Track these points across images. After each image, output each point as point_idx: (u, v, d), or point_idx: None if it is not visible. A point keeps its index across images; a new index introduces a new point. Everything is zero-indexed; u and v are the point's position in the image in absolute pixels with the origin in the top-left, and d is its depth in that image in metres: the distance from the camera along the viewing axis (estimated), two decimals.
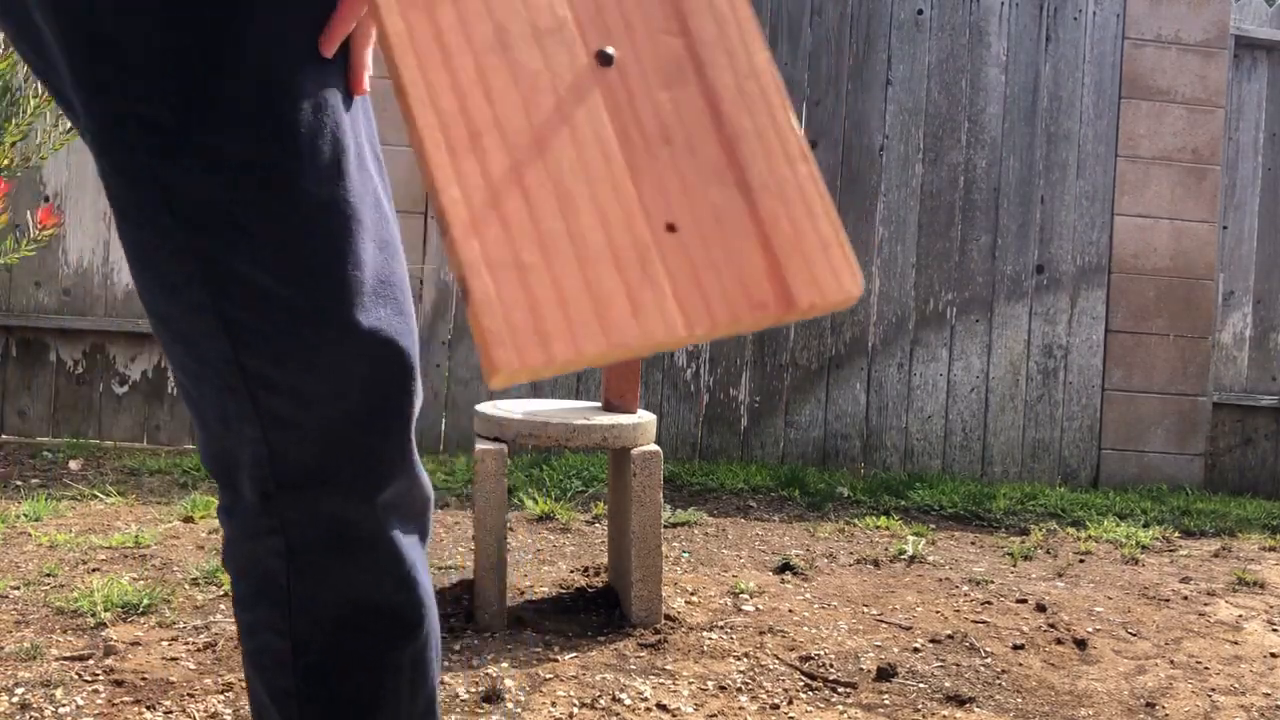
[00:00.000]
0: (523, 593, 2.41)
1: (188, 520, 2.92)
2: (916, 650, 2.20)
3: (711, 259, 0.39)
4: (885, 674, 2.02)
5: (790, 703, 1.88)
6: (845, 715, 1.85)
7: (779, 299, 0.41)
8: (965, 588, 2.68)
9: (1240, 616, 2.60)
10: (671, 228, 0.39)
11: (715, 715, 1.80)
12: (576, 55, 0.39)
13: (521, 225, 0.36)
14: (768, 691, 1.92)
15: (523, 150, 0.37)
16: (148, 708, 1.71)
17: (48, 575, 2.36)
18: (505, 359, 0.35)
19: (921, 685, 2.01)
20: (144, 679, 1.82)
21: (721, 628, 2.24)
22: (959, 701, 1.94)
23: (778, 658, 2.09)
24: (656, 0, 0.41)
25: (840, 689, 1.96)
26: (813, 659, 2.09)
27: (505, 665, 1.97)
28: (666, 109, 0.40)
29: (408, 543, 0.85)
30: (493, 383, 0.36)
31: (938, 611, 2.46)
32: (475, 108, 0.36)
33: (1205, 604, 2.70)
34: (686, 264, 0.39)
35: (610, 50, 0.39)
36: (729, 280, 0.39)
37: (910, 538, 3.17)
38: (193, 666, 1.89)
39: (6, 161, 1.95)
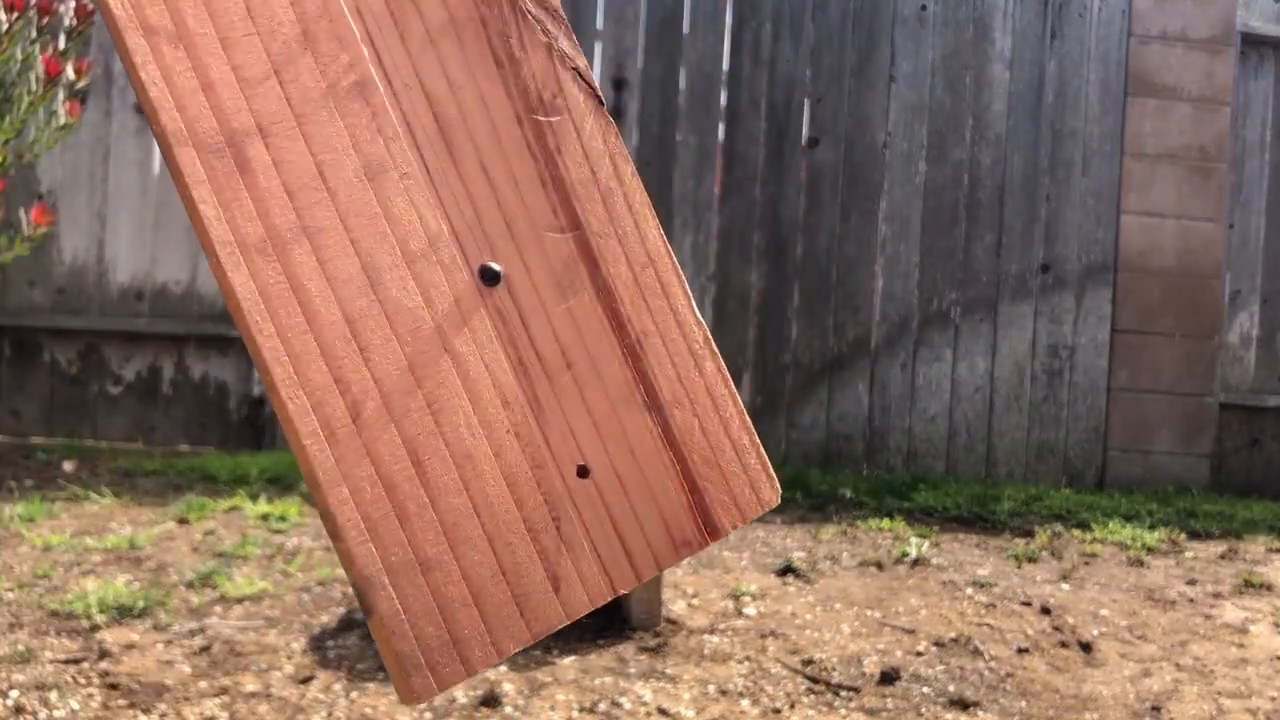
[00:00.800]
0: None
1: (183, 522, 2.90)
2: (920, 653, 2.17)
3: (630, 503, 0.36)
4: (888, 677, 1.99)
5: (792, 707, 1.85)
6: (848, 719, 1.82)
7: (701, 532, 0.38)
8: (969, 590, 2.65)
9: (1247, 619, 2.57)
10: (584, 471, 0.35)
11: (716, 719, 1.78)
12: (457, 278, 0.35)
13: (421, 513, 0.32)
14: (769, 695, 1.89)
15: (411, 418, 0.32)
16: (142, 711, 1.69)
17: (41, 577, 2.34)
18: (422, 686, 0.32)
19: (925, 689, 1.98)
20: (139, 682, 1.80)
21: (723, 631, 2.21)
22: (963, 705, 1.91)
23: (780, 661, 2.06)
24: (539, 192, 0.37)
25: (843, 693, 1.94)
26: (815, 662, 2.06)
27: (504, 669, 1.94)
28: (564, 326, 0.36)
29: None
30: (410, 704, 0.32)
31: (941, 614, 2.43)
32: (351, 374, 0.31)
33: (1211, 606, 2.67)
34: (604, 514, 0.36)
35: (496, 266, 0.35)
36: (650, 525, 0.36)
37: (914, 540, 3.14)
38: (188, 670, 1.87)
39: (0, 159, 1.92)
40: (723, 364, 0.39)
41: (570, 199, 0.37)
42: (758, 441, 0.40)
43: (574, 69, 0.38)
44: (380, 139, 0.34)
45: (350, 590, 2.35)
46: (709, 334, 0.39)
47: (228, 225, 0.31)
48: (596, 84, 0.39)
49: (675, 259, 0.39)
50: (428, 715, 1.73)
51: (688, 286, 0.39)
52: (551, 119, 0.38)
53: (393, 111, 0.34)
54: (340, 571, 2.49)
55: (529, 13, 0.37)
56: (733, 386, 0.40)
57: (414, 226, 0.34)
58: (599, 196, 0.37)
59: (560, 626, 0.34)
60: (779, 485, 0.41)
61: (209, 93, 0.31)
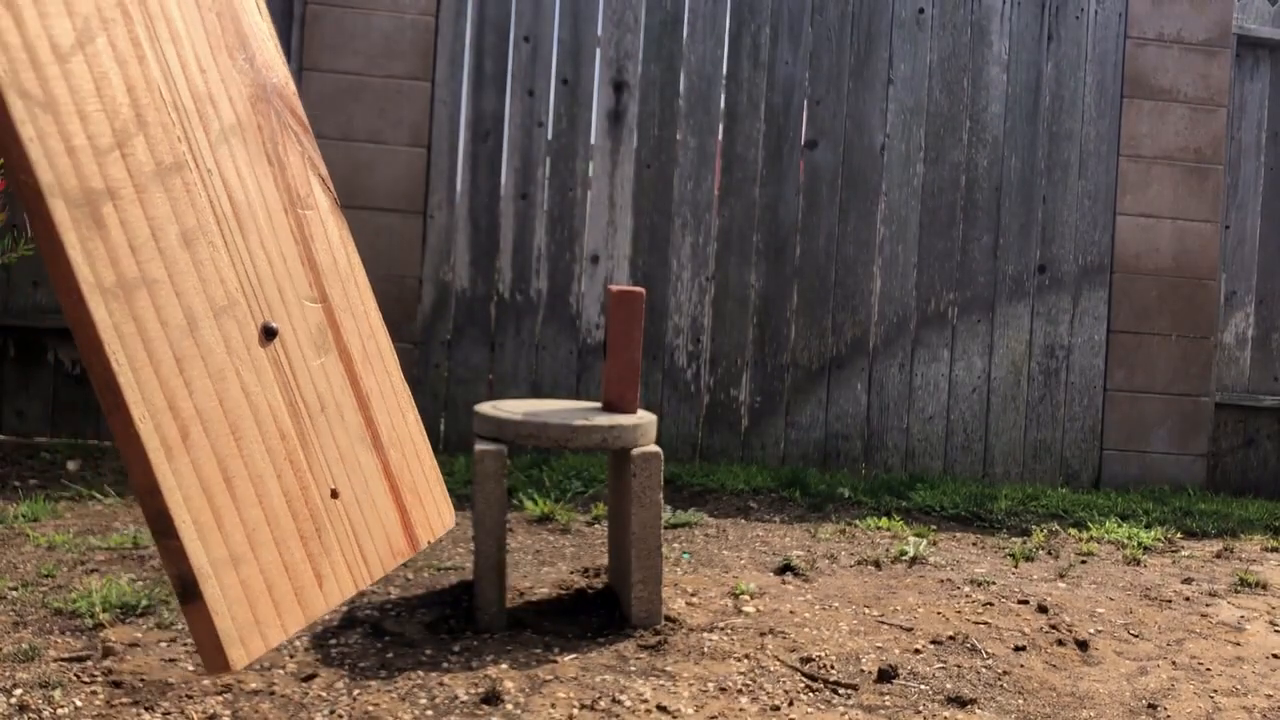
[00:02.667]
0: (522, 594, 2.40)
1: None
2: (918, 651, 2.19)
3: (365, 519, 0.43)
4: (886, 675, 2.01)
5: (791, 704, 1.87)
6: (846, 717, 1.84)
7: (409, 544, 0.48)
8: (967, 589, 2.67)
9: (1242, 617, 2.59)
10: (335, 494, 0.42)
11: (716, 717, 1.79)
12: (247, 332, 0.40)
13: (232, 519, 0.37)
14: (768, 693, 1.91)
15: (223, 442, 0.38)
16: (146, 709, 1.71)
17: (46, 576, 2.36)
18: (237, 656, 0.38)
19: (923, 686, 2.00)
20: (142, 680, 1.81)
21: (722, 629, 2.23)
22: (960, 703, 1.93)
23: (778, 659, 2.08)
24: (301, 269, 0.42)
25: (841, 690, 1.95)
26: (813, 660, 2.08)
27: (505, 667, 1.96)
28: (320, 377, 0.43)
29: None
30: (218, 676, 0.38)
31: (939, 613, 2.45)
32: (181, 402, 0.36)
33: (1207, 605, 2.68)
34: (349, 528, 0.43)
35: (274, 325, 0.40)
36: (378, 537, 0.44)
37: (911, 539, 3.16)
38: (191, 668, 1.88)
39: (3, 161, 1.94)
40: (418, 416, 0.48)
41: (321, 278, 0.45)
42: (440, 477, 0.50)
43: (320, 175, 0.46)
44: (193, 212, 0.39)
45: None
46: (409, 393, 0.49)
47: (89, 269, 0.35)
48: (333, 188, 0.48)
49: (387, 332, 0.48)
50: (429, 713, 1.75)
51: (395, 356, 0.48)
52: (306, 212, 0.45)
53: (201, 191, 0.40)
54: None
55: (289, 125, 0.44)
56: (424, 433, 0.49)
57: (218, 286, 0.40)
58: (339, 279, 0.45)
59: (322, 615, 0.42)
60: (454, 514, 0.50)
61: (72, 155, 0.35)
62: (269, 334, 0.40)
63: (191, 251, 0.38)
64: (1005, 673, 2.10)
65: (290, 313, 0.41)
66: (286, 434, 0.40)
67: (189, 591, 0.35)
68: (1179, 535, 3.53)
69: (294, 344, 0.42)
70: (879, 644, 2.21)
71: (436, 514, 0.48)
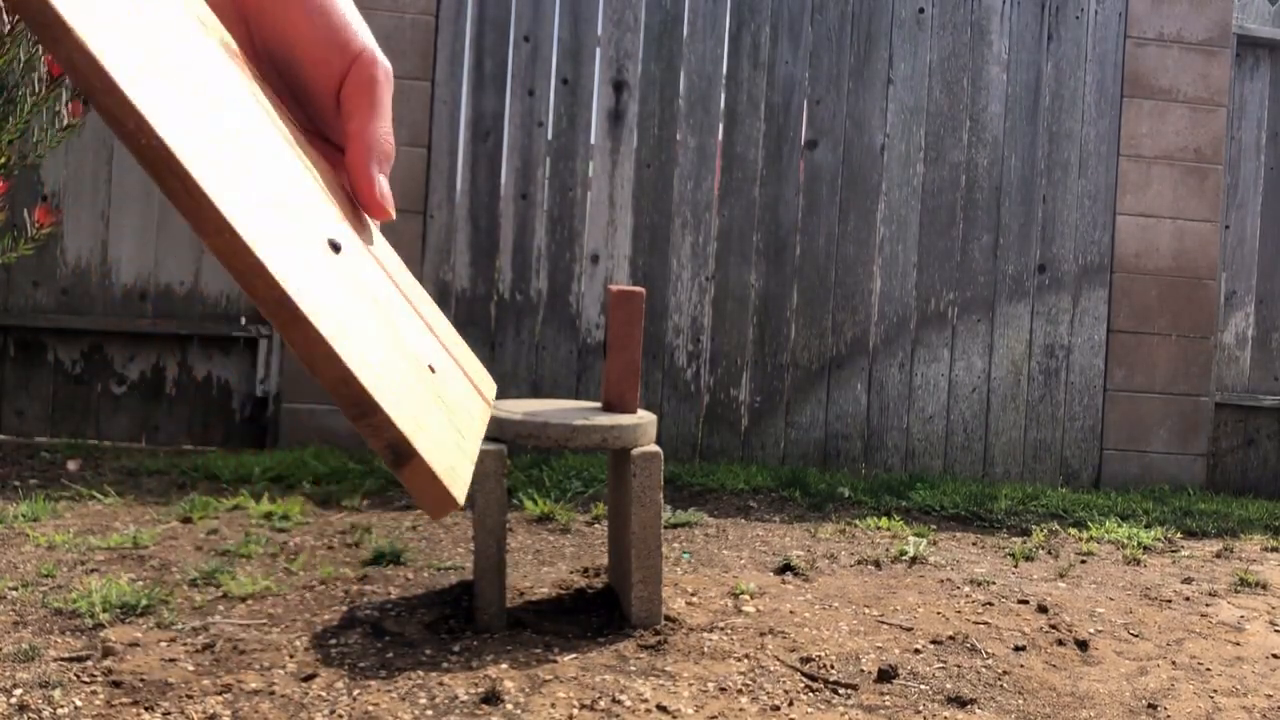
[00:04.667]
0: (522, 594, 2.40)
1: (186, 521, 2.91)
2: (918, 651, 2.19)
3: (454, 388, 0.52)
4: (886, 675, 2.01)
5: (791, 704, 1.87)
6: (846, 717, 1.84)
7: (486, 404, 0.56)
8: (967, 589, 2.67)
9: (1242, 617, 2.59)
10: (432, 369, 0.49)
11: (716, 716, 1.79)
12: (322, 245, 0.45)
13: (397, 391, 0.42)
14: (768, 693, 1.91)
15: (362, 334, 0.42)
16: (146, 709, 1.71)
17: (46, 576, 2.36)
18: (459, 492, 0.43)
19: (923, 686, 2.00)
20: (142, 680, 1.81)
21: (722, 629, 2.23)
22: (960, 703, 1.93)
23: (778, 659, 2.08)
24: (327, 196, 0.49)
25: (841, 690, 1.95)
26: (813, 660, 2.08)
27: (505, 666, 1.96)
28: (378, 281, 0.50)
29: None
30: (439, 516, 0.44)
31: (939, 612, 2.45)
32: (326, 301, 0.41)
33: (1207, 605, 2.68)
34: (452, 396, 0.51)
35: (338, 240, 0.47)
36: (469, 402, 0.53)
37: (911, 538, 3.16)
38: (191, 668, 1.88)
39: (3, 159, 1.94)
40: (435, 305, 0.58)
41: (341, 202, 0.52)
42: (472, 352, 0.61)
43: (295, 119, 0.54)
44: (274, 130, 0.48)
45: (354, 589, 2.36)
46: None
47: (228, 200, 0.40)
48: (306, 123, 0.56)
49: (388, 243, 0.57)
50: (429, 713, 1.75)
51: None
52: (307, 151, 0.52)
53: (279, 131, 0.49)
54: (343, 570, 2.51)
55: (262, 76, 0.53)
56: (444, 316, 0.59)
57: (303, 199, 0.46)
58: (345, 203, 0.53)
59: (473, 469, 0.48)
60: (494, 382, 0.61)
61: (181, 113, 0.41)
62: (335, 248, 0.46)
63: (281, 177, 0.44)
64: (1005, 673, 2.10)
65: (336, 227, 0.49)
66: (386, 321, 0.46)
67: (402, 454, 0.41)
68: (1179, 535, 3.53)
69: (352, 256, 0.49)
70: (879, 644, 2.21)
71: (487, 381, 0.59)
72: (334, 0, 0.53)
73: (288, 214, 0.41)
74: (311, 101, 0.55)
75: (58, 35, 0.34)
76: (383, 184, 0.54)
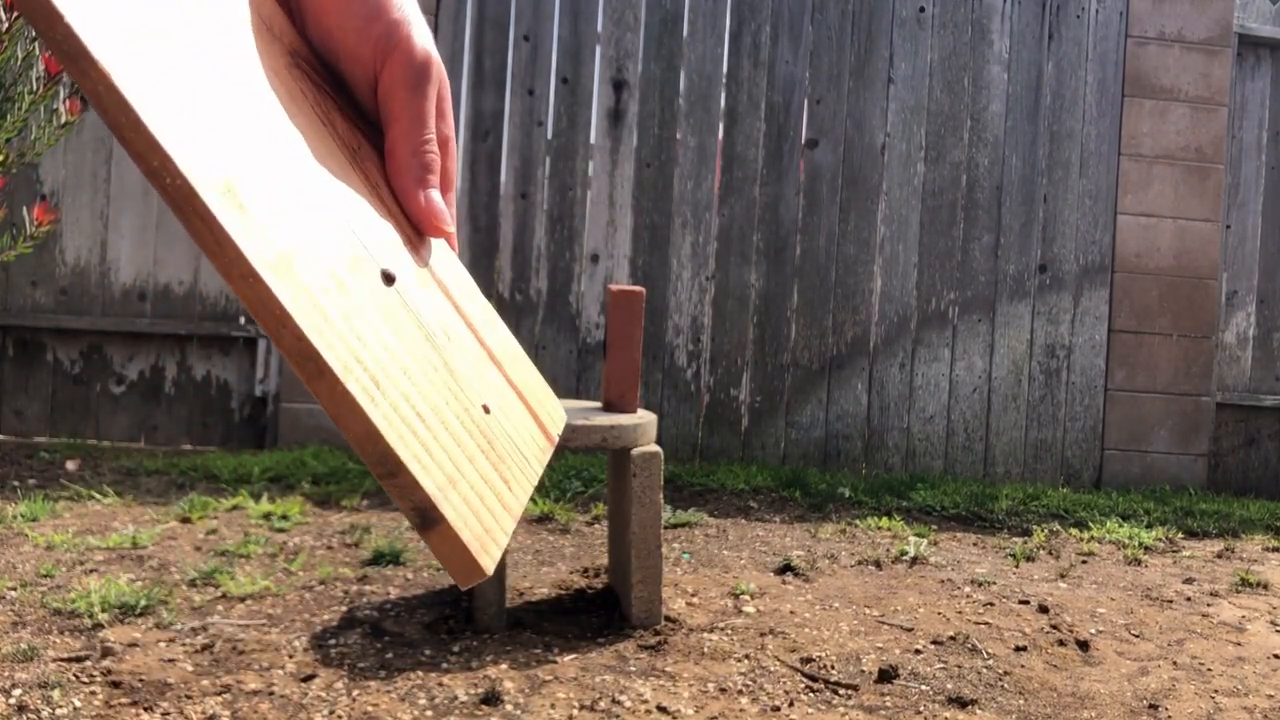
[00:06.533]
0: (522, 594, 2.40)
1: (185, 521, 2.91)
2: (918, 652, 2.18)
3: (515, 426, 0.49)
4: (887, 675, 2.00)
5: (791, 704, 1.87)
6: (846, 717, 1.83)
7: (549, 441, 0.52)
8: (967, 589, 2.66)
9: (1243, 617, 2.59)
10: (486, 409, 0.47)
11: (716, 717, 1.79)
12: (373, 278, 0.43)
13: (434, 447, 0.41)
14: (768, 693, 1.91)
15: (402, 381, 0.41)
16: (145, 709, 1.70)
17: (44, 576, 2.35)
18: (486, 562, 0.41)
19: (923, 687, 1.99)
20: (141, 680, 1.81)
21: (722, 629, 2.22)
22: (961, 703, 1.92)
23: (779, 659, 2.07)
24: (385, 216, 0.47)
25: (841, 691, 1.95)
26: (814, 660, 2.08)
27: (504, 667, 1.95)
28: (434, 309, 0.47)
29: None
30: (467, 585, 0.42)
31: (939, 613, 2.45)
32: (362, 352, 0.39)
33: (1208, 605, 2.68)
34: (508, 436, 0.48)
35: (392, 271, 0.44)
36: (528, 440, 0.50)
37: (912, 539, 3.15)
38: (190, 668, 1.88)
39: (1, 157, 1.94)
40: (505, 328, 0.54)
41: (397, 219, 0.48)
42: (544, 380, 0.56)
43: (358, 126, 0.49)
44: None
45: (353, 589, 2.36)
46: (492, 309, 0.54)
47: (254, 248, 0.38)
48: (366, 135, 0.51)
49: (454, 253, 0.52)
50: (429, 713, 1.74)
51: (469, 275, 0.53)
52: (365, 164, 0.48)
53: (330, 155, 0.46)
54: (342, 570, 2.50)
55: (320, 84, 0.48)
56: (516, 342, 0.55)
57: (344, 236, 0.43)
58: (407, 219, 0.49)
59: (520, 514, 0.46)
60: (563, 410, 0.56)
61: (202, 148, 0.39)
62: (388, 279, 0.44)
63: (316, 210, 0.42)
64: (1006, 673, 2.09)
65: (391, 254, 0.46)
66: (438, 365, 0.44)
67: (428, 518, 0.39)
68: (1180, 535, 3.52)
69: (408, 283, 0.46)
70: (879, 644, 2.21)
71: (557, 412, 0.55)
72: None
73: (331, 252, 0.39)
74: (359, 100, 0.49)
75: (84, 68, 0.33)
76: (431, 200, 0.48)
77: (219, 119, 0.38)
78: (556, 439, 0.54)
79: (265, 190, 0.38)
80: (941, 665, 2.11)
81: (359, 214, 0.44)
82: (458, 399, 0.44)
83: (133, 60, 0.34)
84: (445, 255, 0.51)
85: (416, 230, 0.49)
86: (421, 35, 0.47)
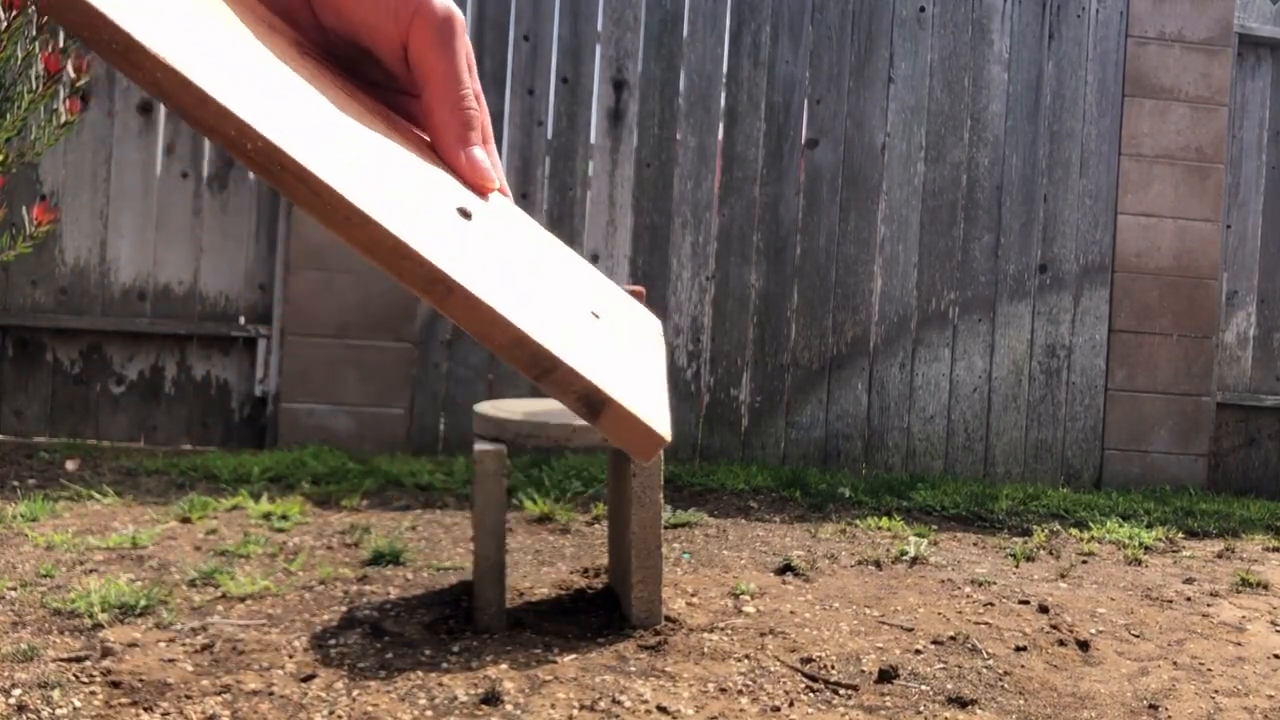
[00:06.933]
0: (522, 594, 2.39)
1: (185, 521, 2.91)
2: (918, 652, 2.18)
3: (625, 332, 0.50)
4: (887, 675, 2.00)
5: (791, 704, 1.86)
6: (846, 717, 1.83)
7: (659, 341, 0.55)
8: (968, 589, 2.66)
9: (1244, 618, 2.58)
10: (596, 315, 0.48)
11: (716, 717, 1.79)
12: (453, 215, 0.44)
13: (577, 344, 0.41)
14: (769, 693, 1.91)
15: (520, 287, 0.42)
16: (145, 709, 1.70)
17: (44, 576, 2.35)
18: (663, 429, 0.41)
19: (923, 687, 1.99)
20: (141, 680, 1.80)
21: (722, 629, 2.22)
22: (961, 703, 1.92)
23: (779, 659, 2.07)
24: (441, 166, 0.48)
25: (842, 691, 1.95)
26: (814, 661, 2.07)
27: (504, 667, 1.95)
28: (520, 242, 0.48)
29: None
30: (649, 457, 0.41)
31: (940, 613, 2.44)
32: (483, 267, 0.40)
33: (1209, 605, 2.68)
34: (624, 334, 0.49)
35: (469, 208, 0.45)
36: (643, 339, 0.52)
37: (912, 539, 3.15)
38: (190, 668, 1.88)
39: (1, 157, 1.94)
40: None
41: (432, 159, 0.49)
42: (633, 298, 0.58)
43: (386, 103, 0.52)
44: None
45: (353, 589, 2.36)
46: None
47: (362, 197, 0.38)
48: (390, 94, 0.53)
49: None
50: (429, 713, 1.74)
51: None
52: (403, 128, 0.49)
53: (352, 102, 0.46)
54: (342, 570, 2.50)
55: (339, 70, 0.49)
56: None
57: (428, 176, 0.45)
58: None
59: (665, 394, 0.47)
60: (657, 319, 0.59)
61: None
62: (465, 215, 0.45)
63: (382, 157, 0.42)
64: (1006, 673, 2.09)
65: (461, 196, 0.47)
66: (540, 277, 0.45)
67: (596, 403, 0.39)
68: (1180, 535, 3.52)
69: (479, 218, 0.47)
70: (880, 644, 2.21)
71: (649, 319, 0.58)
72: None
73: (410, 190, 0.40)
74: (394, 80, 0.49)
75: (137, 60, 0.33)
76: (476, 157, 0.48)
77: (269, 86, 0.39)
78: (660, 334, 0.55)
79: (335, 141, 0.39)
80: (941, 665, 2.11)
81: (417, 164, 0.45)
82: (569, 308, 0.45)
83: (177, 40, 0.35)
84: (507, 203, 0.51)
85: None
86: None
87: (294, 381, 3.97)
